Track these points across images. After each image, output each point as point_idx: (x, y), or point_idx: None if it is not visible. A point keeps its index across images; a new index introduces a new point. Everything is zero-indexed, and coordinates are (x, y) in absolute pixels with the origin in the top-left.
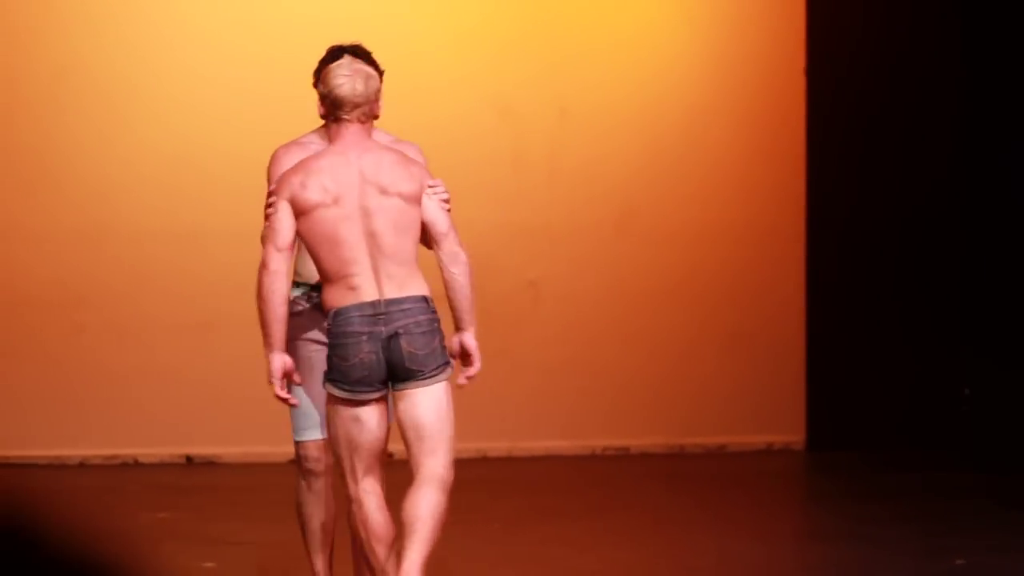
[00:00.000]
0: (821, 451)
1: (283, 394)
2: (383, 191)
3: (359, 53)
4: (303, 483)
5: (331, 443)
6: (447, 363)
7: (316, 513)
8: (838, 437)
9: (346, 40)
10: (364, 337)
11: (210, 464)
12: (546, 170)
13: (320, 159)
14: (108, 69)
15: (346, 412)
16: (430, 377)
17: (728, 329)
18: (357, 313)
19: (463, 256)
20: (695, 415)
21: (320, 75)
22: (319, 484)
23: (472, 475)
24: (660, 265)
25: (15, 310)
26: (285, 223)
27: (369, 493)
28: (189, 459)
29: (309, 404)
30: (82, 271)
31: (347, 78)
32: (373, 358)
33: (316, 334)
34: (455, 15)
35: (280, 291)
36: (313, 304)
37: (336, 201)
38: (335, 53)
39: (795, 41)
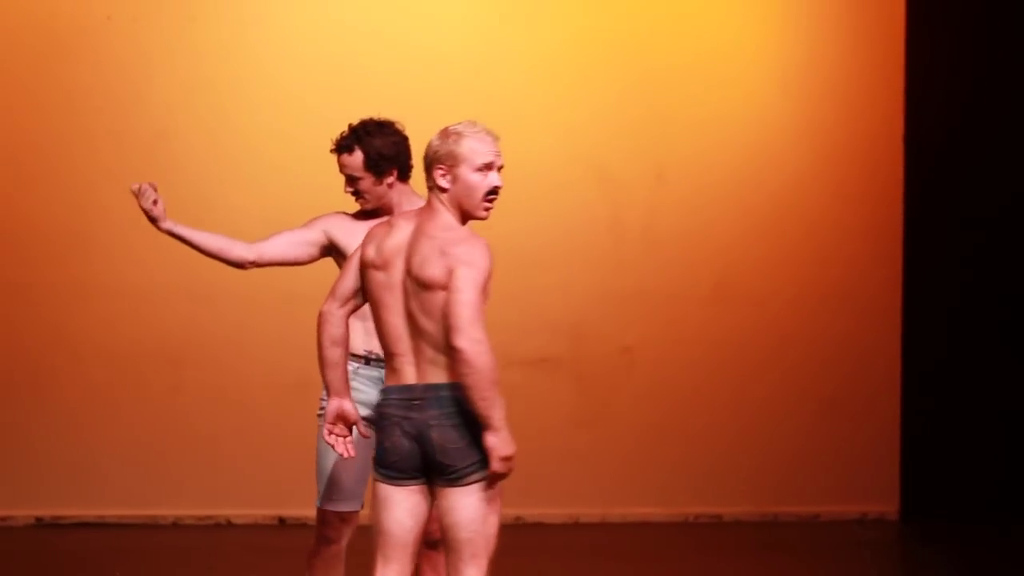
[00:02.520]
0: (916, 521)
1: (329, 439)
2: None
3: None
4: (317, 548)
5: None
6: (482, 460)
7: None
8: (933, 507)
9: (447, 112)
10: (398, 421)
11: (303, 526)
12: (642, 235)
13: (398, 220)
14: (206, 134)
15: (379, 495)
16: (463, 476)
17: (822, 396)
18: (396, 396)
19: (467, 354)
20: (788, 483)
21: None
22: (330, 551)
23: (564, 541)
24: (755, 331)
25: (116, 367)
26: (350, 272)
27: None
28: (282, 521)
29: (340, 474)
30: (181, 330)
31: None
32: (406, 445)
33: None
34: (553, 80)
35: (329, 334)
36: (360, 378)
37: (383, 266)
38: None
39: (893, 108)
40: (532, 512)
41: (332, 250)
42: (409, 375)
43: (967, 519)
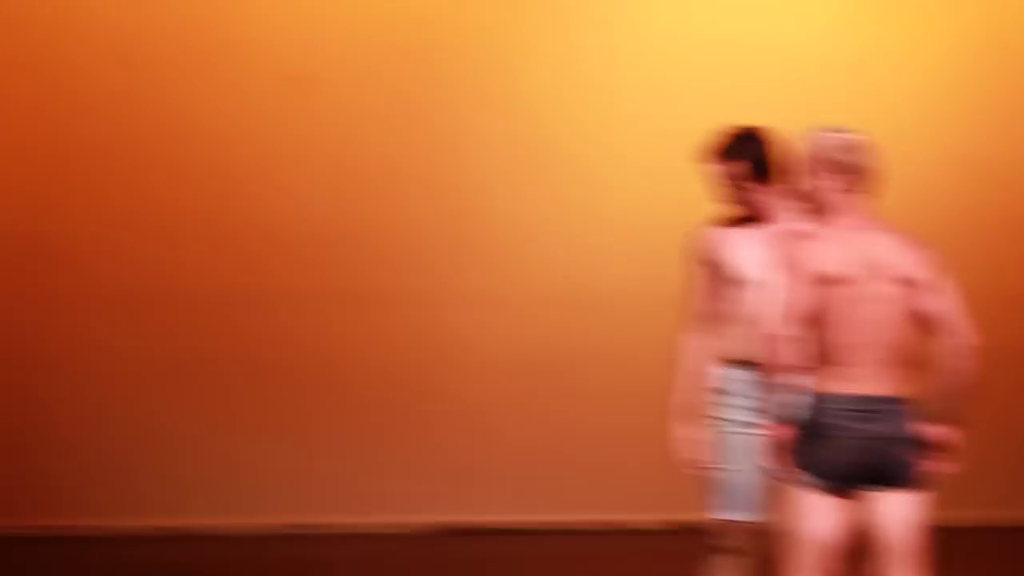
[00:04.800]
0: None
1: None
2: (888, 276)
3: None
4: (719, 560)
5: (789, 533)
6: (923, 472)
7: None
8: None
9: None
10: (849, 432)
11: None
12: None
13: (830, 231)
14: (583, 137)
15: (812, 504)
16: (907, 484)
17: None
18: (846, 406)
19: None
20: None
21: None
22: (727, 562)
23: None
24: None
25: (501, 376)
26: (800, 295)
27: None
28: (677, 525)
29: (739, 484)
30: (563, 337)
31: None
32: (854, 456)
33: (743, 414)
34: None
35: (793, 358)
36: (746, 385)
37: (849, 280)
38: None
39: None
40: None
41: (708, 264)
42: (864, 385)
43: None
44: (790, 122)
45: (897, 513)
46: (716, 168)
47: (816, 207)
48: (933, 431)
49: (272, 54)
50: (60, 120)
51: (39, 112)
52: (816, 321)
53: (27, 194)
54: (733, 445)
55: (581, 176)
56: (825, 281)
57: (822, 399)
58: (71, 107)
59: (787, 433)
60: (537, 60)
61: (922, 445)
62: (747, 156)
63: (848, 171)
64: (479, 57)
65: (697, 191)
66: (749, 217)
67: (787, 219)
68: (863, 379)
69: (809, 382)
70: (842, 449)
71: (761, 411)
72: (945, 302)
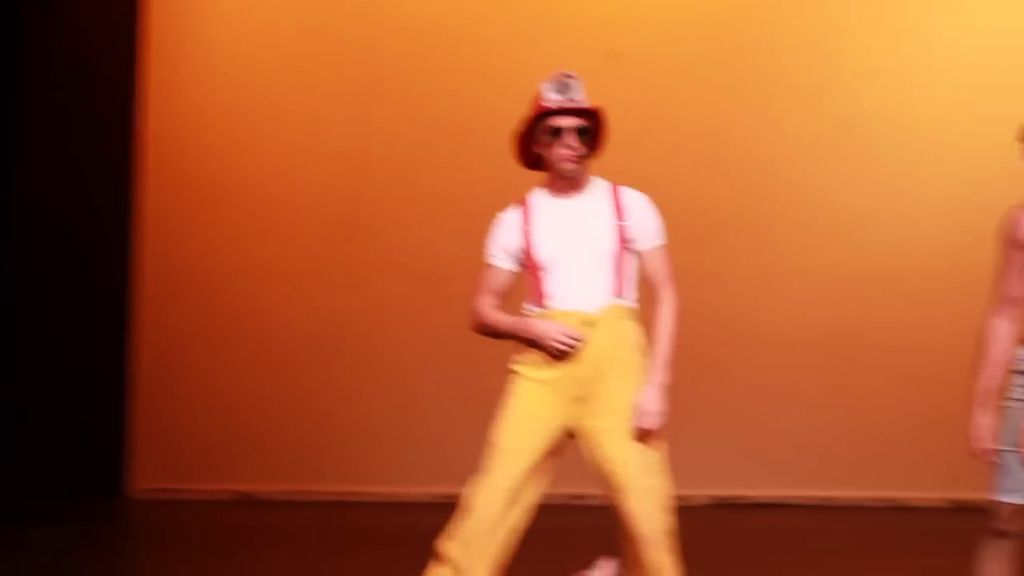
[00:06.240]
0: None
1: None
2: None
3: None
4: (988, 541)
5: None
6: None
7: (990, 573)
8: None
9: None
10: None
11: (978, 510)
12: None
13: None
14: (889, 120)
15: None
16: None
17: None
18: None
19: None
20: None
21: None
22: (1005, 546)
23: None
24: None
25: (793, 351)
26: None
27: None
28: (956, 504)
29: (1017, 466)
30: (859, 313)
31: None
32: None
33: None
34: None
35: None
36: None
37: None
38: None
39: None
40: None
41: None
42: None
43: None
44: None
45: None
46: None
47: None
48: None
49: (591, 30)
50: (367, 108)
51: (352, 100)
52: None
53: (335, 179)
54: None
55: (885, 156)
56: None
57: None
58: (378, 95)
59: None
60: (846, 41)
61: None
62: None
63: None
64: (786, 39)
65: (1014, 172)
66: None
67: None
68: None
69: None
70: None
71: None
72: None
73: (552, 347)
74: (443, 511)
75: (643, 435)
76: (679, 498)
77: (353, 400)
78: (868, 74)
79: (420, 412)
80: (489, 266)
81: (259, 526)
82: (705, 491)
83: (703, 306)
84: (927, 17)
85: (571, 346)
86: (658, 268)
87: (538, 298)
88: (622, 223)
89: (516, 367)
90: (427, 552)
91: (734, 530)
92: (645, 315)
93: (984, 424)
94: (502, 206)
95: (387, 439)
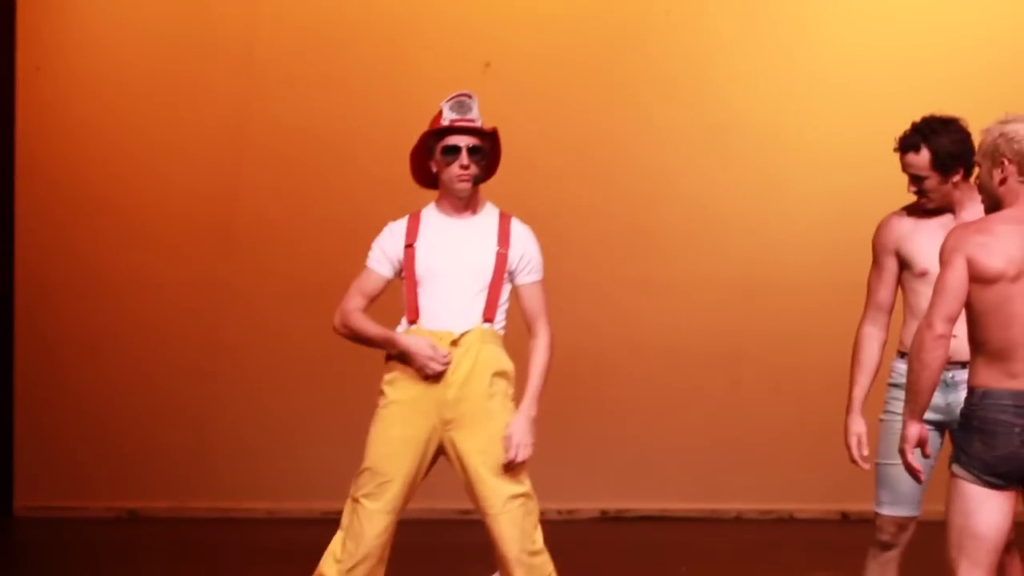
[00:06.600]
0: None
1: (915, 463)
2: None
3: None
4: (872, 551)
5: (946, 528)
6: None
7: None
8: None
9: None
10: (1017, 429)
11: (866, 522)
12: None
13: (1003, 224)
14: (765, 126)
15: (971, 499)
16: None
17: None
18: (1012, 402)
19: None
20: None
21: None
22: (888, 558)
23: None
24: None
25: (676, 361)
26: (958, 283)
27: None
28: (844, 516)
29: (900, 480)
30: (739, 324)
31: None
32: (1017, 452)
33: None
34: None
35: (941, 359)
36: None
37: (1020, 275)
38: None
39: None
40: None
41: (892, 255)
42: None
43: None
44: (980, 113)
45: None
46: (903, 159)
47: (995, 199)
48: None
49: (457, 40)
50: (242, 114)
51: (227, 106)
52: (981, 316)
53: (210, 187)
54: (897, 439)
55: (761, 164)
56: (994, 275)
57: (985, 395)
58: (254, 102)
59: (924, 431)
60: (720, 48)
61: None
62: (933, 147)
63: None
64: (662, 45)
65: (883, 181)
66: (937, 209)
67: (975, 211)
68: None
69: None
70: (1005, 445)
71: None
72: None
73: (422, 363)
74: (322, 527)
75: (511, 464)
76: (565, 512)
77: (229, 415)
78: (741, 82)
79: (297, 427)
80: (366, 267)
81: (143, 544)
82: (591, 504)
83: (583, 315)
84: (799, 30)
85: (440, 363)
86: (535, 303)
87: (410, 313)
88: (503, 251)
89: (383, 386)
90: (310, 569)
91: (620, 544)
92: (520, 347)
93: (855, 431)
94: (381, 218)
95: (264, 455)
